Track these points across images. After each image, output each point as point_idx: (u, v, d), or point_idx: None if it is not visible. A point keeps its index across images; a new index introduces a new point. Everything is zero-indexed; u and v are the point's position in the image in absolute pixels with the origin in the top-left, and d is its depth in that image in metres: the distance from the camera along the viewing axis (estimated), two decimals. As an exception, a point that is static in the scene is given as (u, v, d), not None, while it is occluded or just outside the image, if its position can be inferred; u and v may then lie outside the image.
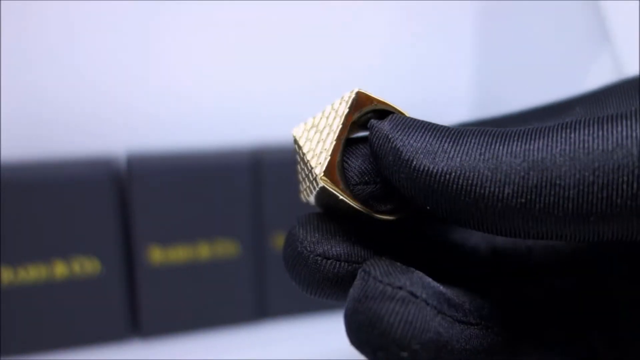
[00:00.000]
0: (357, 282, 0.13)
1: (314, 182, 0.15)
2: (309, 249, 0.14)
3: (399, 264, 0.13)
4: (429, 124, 0.13)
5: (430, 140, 0.13)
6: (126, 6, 0.40)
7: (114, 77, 0.41)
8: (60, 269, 0.38)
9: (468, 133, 0.13)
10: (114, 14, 0.40)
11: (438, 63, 0.48)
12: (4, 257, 0.36)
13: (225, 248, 0.41)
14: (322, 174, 0.14)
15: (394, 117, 0.14)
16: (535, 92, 0.43)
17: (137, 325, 0.41)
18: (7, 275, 0.37)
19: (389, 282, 0.12)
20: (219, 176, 0.40)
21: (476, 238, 0.17)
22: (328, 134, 0.14)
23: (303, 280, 0.14)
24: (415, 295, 0.12)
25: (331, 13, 0.44)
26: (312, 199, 0.15)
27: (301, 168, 0.15)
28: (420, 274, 0.13)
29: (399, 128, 0.13)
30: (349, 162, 0.14)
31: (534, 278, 0.16)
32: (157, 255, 0.40)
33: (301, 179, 0.16)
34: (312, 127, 0.15)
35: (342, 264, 0.14)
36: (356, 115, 0.14)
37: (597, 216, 0.11)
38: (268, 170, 0.41)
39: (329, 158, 0.14)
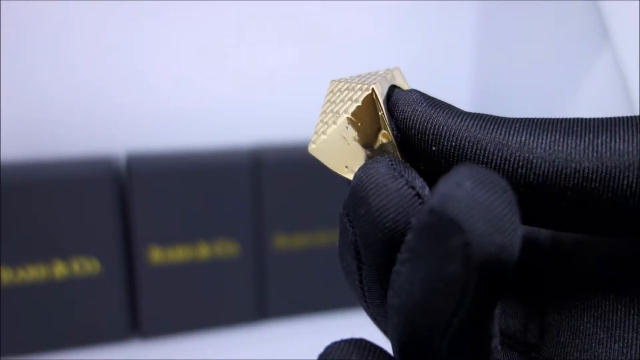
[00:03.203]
0: (461, 166, 0.12)
1: (358, 98, 0.15)
2: (399, 172, 0.13)
3: None
4: (443, 101, 0.14)
5: (444, 105, 0.14)
6: (126, 7, 0.40)
7: (114, 77, 0.41)
8: (60, 269, 0.38)
9: (472, 113, 0.14)
10: (114, 15, 0.40)
11: (438, 63, 0.48)
12: (4, 257, 0.36)
13: (225, 248, 0.41)
14: (374, 85, 0.14)
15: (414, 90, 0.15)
16: (535, 91, 0.43)
17: (137, 325, 0.41)
18: (7, 275, 0.37)
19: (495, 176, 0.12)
20: (219, 176, 0.40)
21: None
22: (370, 77, 0.15)
23: (379, 203, 0.13)
24: (513, 200, 0.11)
25: (331, 12, 0.44)
26: (329, 136, 0.15)
27: (326, 110, 0.16)
28: None
29: (418, 92, 0.14)
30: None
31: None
32: (157, 255, 0.39)
33: (320, 122, 0.16)
34: (351, 78, 0.16)
35: (419, 199, 0.13)
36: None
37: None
38: (268, 170, 0.41)
39: (376, 82, 0.15)
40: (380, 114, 0.14)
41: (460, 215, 0.10)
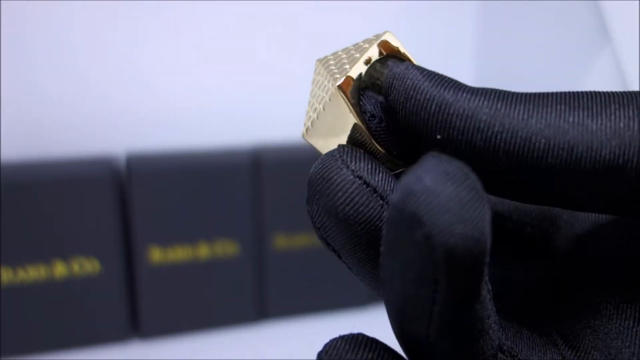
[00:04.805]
0: (422, 159, 0.11)
1: (327, 95, 0.14)
2: (350, 167, 0.13)
3: None
4: (445, 75, 0.13)
5: (447, 80, 0.13)
6: (127, 8, 0.40)
7: (114, 77, 0.41)
8: (60, 269, 0.38)
9: (482, 88, 0.13)
10: (114, 16, 0.40)
11: (438, 63, 0.48)
12: (4, 257, 0.36)
13: (225, 248, 0.41)
14: (340, 82, 0.14)
15: (411, 63, 0.14)
16: (535, 91, 0.43)
17: (137, 325, 0.41)
18: (7, 275, 0.37)
19: (459, 165, 0.11)
20: (219, 176, 0.40)
21: None
22: (353, 55, 0.14)
23: (327, 200, 0.13)
24: (479, 191, 0.11)
25: (332, 13, 0.44)
26: (316, 123, 0.15)
27: (313, 94, 0.15)
28: None
29: (416, 67, 0.13)
30: (363, 96, 0.14)
31: (523, 253, 0.16)
32: (157, 255, 0.39)
33: (309, 107, 0.15)
34: (335, 56, 0.15)
35: (377, 197, 0.13)
36: (382, 55, 0.14)
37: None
38: (268, 170, 0.41)
39: (349, 71, 0.14)
40: (349, 110, 0.14)
41: (419, 209, 0.10)
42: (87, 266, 0.38)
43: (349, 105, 0.14)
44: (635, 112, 0.12)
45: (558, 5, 0.38)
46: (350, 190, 0.13)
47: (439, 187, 0.10)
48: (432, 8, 0.47)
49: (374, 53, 0.14)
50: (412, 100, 0.13)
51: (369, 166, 0.13)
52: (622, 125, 0.12)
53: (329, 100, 0.14)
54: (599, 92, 0.12)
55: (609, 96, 0.12)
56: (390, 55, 0.14)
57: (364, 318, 0.44)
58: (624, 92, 0.12)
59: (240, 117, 0.44)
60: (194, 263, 0.40)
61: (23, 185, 0.36)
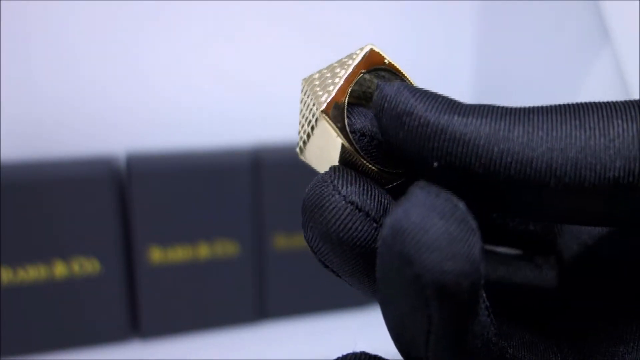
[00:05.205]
0: (409, 192, 0.11)
1: (313, 118, 0.14)
2: (341, 194, 0.13)
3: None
4: (438, 94, 0.12)
5: (441, 100, 0.12)
6: (126, 8, 0.40)
7: (114, 77, 0.41)
8: (60, 269, 0.38)
9: (485, 106, 0.12)
10: (114, 16, 0.40)
11: (438, 63, 0.48)
12: (4, 257, 0.36)
13: (225, 248, 0.41)
14: (324, 107, 0.13)
15: (402, 82, 0.13)
16: (536, 91, 0.43)
17: (137, 325, 0.41)
18: (7, 275, 0.37)
19: (447, 197, 0.11)
20: (219, 176, 0.40)
21: None
22: (336, 77, 0.14)
23: (321, 227, 0.13)
24: (469, 222, 0.11)
25: (332, 13, 0.44)
26: (308, 145, 0.15)
27: (302, 115, 0.15)
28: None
29: (409, 87, 0.12)
30: (352, 113, 0.14)
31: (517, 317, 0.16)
32: (157, 255, 0.39)
33: (300, 128, 0.15)
34: (320, 74, 0.15)
35: (370, 221, 0.13)
36: (367, 69, 0.14)
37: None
38: (268, 170, 0.41)
39: (333, 95, 0.14)
40: (336, 134, 0.14)
41: (408, 248, 0.10)
42: (87, 266, 0.38)
43: (335, 130, 0.14)
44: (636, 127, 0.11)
45: (558, 5, 0.38)
46: (342, 216, 0.13)
47: (427, 223, 0.10)
48: (432, 8, 0.47)
49: (358, 69, 0.14)
50: (406, 127, 0.12)
51: (361, 189, 0.13)
52: (626, 143, 0.11)
53: (316, 124, 0.14)
54: (600, 105, 0.12)
55: (611, 110, 0.12)
56: (377, 68, 0.14)
57: (364, 318, 0.44)
58: (625, 102, 0.12)
59: (240, 117, 0.44)
60: (194, 263, 0.40)
61: (23, 185, 0.36)
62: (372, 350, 0.13)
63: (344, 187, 0.13)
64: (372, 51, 0.14)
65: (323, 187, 0.13)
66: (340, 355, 0.13)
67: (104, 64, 0.40)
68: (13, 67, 0.38)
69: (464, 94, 0.50)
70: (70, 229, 0.37)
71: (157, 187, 0.39)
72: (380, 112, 0.13)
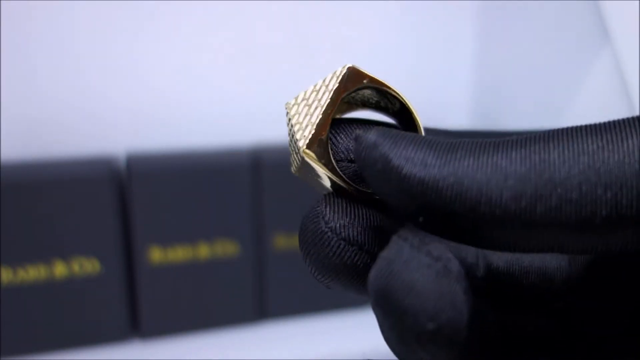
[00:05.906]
0: (392, 245, 0.11)
1: (298, 154, 0.14)
2: (333, 230, 0.13)
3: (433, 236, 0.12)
4: (419, 135, 0.12)
5: (422, 149, 0.12)
6: (126, 8, 0.40)
7: (114, 77, 0.41)
8: (60, 269, 0.38)
9: (460, 144, 0.12)
10: (115, 16, 0.40)
11: (438, 63, 0.48)
12: (4, 257, 0.36)
13: (225, 248, 0.41)
14: (305, 146, 0.14)
15: (380, 128, 0.13)
16: (536, 91, 0.43)
17: (137, 325, 0.41)
18: (7, 275, 0.37)
19: (427, 250, 0.11)
20: (219, 176, 0.40)
21: (471, 256, 0.16)
22: (316, 108, 0.14)
23: (318, 262, 0.13)
24: (450, 271, 0.11)
25: (332, 16, 0.44)
26: (300, 169, 0.15)
27: (290, 141, 0.15)
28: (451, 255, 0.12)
29: (387, 137, 0.12)
30: (337, 139, 0.14)
31: (527, 303, 0.16)
32: (157, 255, 0.40)
33: (291, 151, 0.15)
34: (303, 100, 0.15)
35: (364, 253, 0.13)
36: (348, 92, 0.14)
37: (602, 219, 0.11)
38: (268, 170, 0.41)
39: (313, 131, 0.14)
40: (321, 169, 0.14)
41: (390, 308, 0.11)
42: (87, 266, 0.38)
43: (321, 166, 0.14)
44: (626, 155, 0.11)
45: (558, 5, 0.38)
46: (337, 253, 0.13)
47: (407, 281, 0.11)
48: (432, 8, 0.47)
49: (338, 97, 0.14)
50: (390, 183, 0.12)
51: (353, 220, 0.13)
52: (613, 175, 0.11)
53: (301, 159, 0.14)
54: (581, 131, 0.11)
55: (590, 138, 0.11)
56: (358, 88, 0.14)
57: (364, 318, 0.44)
58: (605, 124, 0.11)
59: (240, 117, 0.44)
60: (194, 263, 0.40)
61: (23, 185, 0.36)
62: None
63: (336, 221, 0.13)
64: (350, 71, 0.14)
65: (315, 223, 0.13)
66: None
67: (104, 64, 0.40)
68: (13, 67, 0.38)
69: (464, 95, 0.50)
70: (70, 229, 0.37)
71: (157, 187, 0.39)
72: (363, 166, 0.13)
